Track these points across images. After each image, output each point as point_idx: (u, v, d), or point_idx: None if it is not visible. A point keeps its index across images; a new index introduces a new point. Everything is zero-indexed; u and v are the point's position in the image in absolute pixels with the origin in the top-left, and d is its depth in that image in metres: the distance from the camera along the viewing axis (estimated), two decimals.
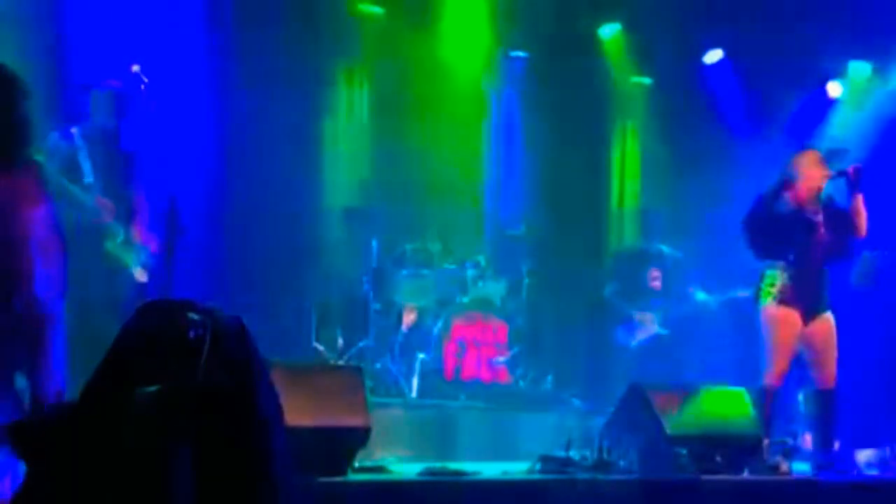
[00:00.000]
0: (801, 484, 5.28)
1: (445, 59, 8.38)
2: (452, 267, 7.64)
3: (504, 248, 8.22)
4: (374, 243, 7.49)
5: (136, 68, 5.22)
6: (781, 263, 5.69)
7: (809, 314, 5.69)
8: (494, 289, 7.67)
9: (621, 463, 5.14)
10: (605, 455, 5.16)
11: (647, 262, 8.00)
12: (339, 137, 8.25)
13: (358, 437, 4.60)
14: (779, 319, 5.66)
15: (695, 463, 5.12)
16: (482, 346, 7.31)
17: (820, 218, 5.74)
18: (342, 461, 4.52)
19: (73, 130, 5.46)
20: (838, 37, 8.04)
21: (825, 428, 5.76)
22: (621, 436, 5.30)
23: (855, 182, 5.72)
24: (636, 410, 5.31)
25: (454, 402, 6.95)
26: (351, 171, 8.17)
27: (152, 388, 1.96)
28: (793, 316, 5.66)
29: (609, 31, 8.85)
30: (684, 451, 5.11)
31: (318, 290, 7.56)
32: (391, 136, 8.25)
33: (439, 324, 7.34)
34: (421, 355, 7.24)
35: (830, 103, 8.85)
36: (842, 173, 5.78)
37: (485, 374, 7.28)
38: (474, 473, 4.78)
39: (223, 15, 7.23)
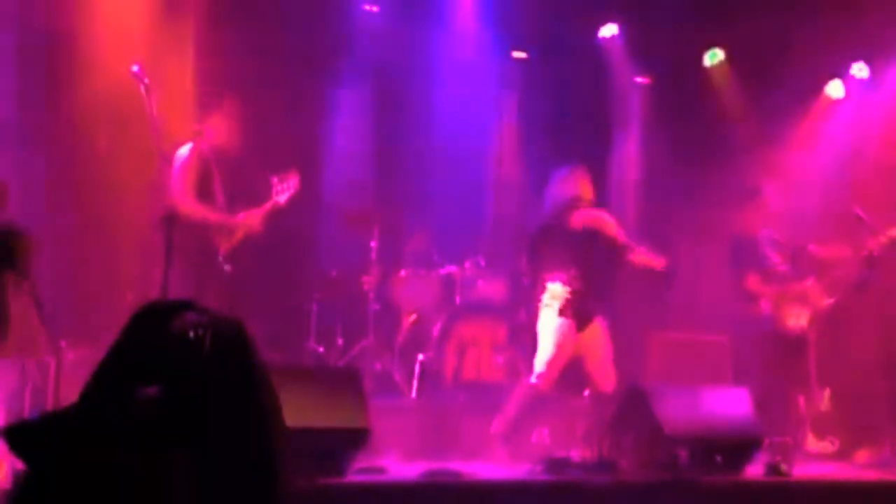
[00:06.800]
0: (801, 484, 5.28)
1: (446, 59, 8.37)
2: (452, 267, 7.64)
3: (504, 247, 8.22)
4: (374, 243, 7.48)
5: (135, 68, 5.22)
6: (563, 277, 5.93)
7: (584, 323, 5.96)
8: (494, 289, 7.66)
9: (621, 463, 5.14)
10: (605, 455, 5.16)
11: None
12: (339, 138, 8.25)
13: (357, 439, 4.60)
14: (559, 329, 5.89)
15: (695, 463, 5.12)
16: (482, 346, 7.30)
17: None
18: (342, 462, 4.52)
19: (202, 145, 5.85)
20: (838, 37, 8.03)
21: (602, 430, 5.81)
22: (621, 436, 5.30)
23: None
24: (636, 411, 5.32)
25: (454, 402, 6.95)
26: (351, 171, 8.17)
27: (152, 390, 1.95)
28: (570, 326, 5.91)
29: (608, 32, 8.84)
30: (684, 452, 5.11)
31: (318, 290, 7.56)
32: (392, 137, 8.24)
33: (439, 324, 7.33)
34: (421, 355, 7.24)
35: (831, 104, 8.84)
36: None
37: (485, 375, 7.28)
38: (474, 474, 4.78)
39: (224, 14, 7.23)
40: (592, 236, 6.01)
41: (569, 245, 5.99)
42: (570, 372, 6.32)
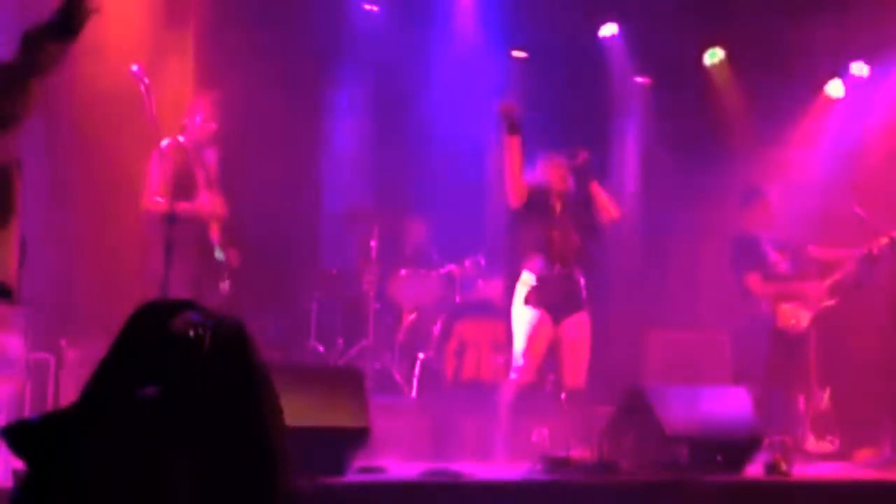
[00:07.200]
0: (801, 484, 5.28)
1: (446, 59, 8.36)
2: (452, 266, 7.64)
3: (504, 247, 8.22)
4: (374, 243, 7.49)
5: (135, 68, 5.22)
6: (530, 264, 5.84)
7: (560, 316, 5.80)
8: (494, 288, 7.66)
9: (621, 463, 5.14)
10: (605, 455, 5.16)
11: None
12: (339, 138, 8.25)
13: (357, 438, 4.61)
14: (529, 320, 5.77)
15: (695, 462, 5.12)
16: (482, 345, 7.30)
17: (567, 219, 5.90)
18: (342, 462, 4.52)
19: (180, 139, 5.83)
20: (838, 37, 8.03)
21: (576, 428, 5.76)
22: (621, 436, 5.30)
23: (584, 170, 5.91)
24: (636, 410, 5.32)
25: (454, 401, 6.95)
26: (351, 171, 8.17)
27: (152, 389, 1.95)
28: (542, 317, 5.77)
29: (608, 32, 8.84)
30: (684, 451, 5.11)
31: (318, 290, 7.56)
32: (392, 137, 8.24)
33: (439, 323, 7.34)
34: (421, 355, 7.24)
35: (831, 103, 8.83)
36: (572, 164, 5.92)
37: (484, 375, 7.28)
38: (474, 474, 4.78)
39: (224, 15, 7.23)
40: (537, 205, 5.86)
41: (525, 230, 5.91)
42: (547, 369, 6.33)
